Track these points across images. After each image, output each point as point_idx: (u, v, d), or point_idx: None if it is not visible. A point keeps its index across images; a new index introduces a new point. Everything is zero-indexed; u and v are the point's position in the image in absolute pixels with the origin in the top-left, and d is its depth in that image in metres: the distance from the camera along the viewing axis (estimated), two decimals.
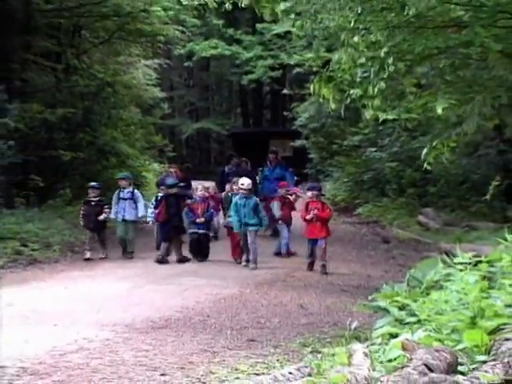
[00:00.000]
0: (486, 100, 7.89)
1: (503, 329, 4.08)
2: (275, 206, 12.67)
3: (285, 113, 30.79)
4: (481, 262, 5.98)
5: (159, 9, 19.66)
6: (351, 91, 7.92)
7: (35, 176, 16.52)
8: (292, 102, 28.12)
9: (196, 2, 8.58)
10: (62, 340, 6.23)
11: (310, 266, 11.04)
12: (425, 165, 8.51)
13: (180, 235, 12.02)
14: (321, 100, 8.63)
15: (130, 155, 21.05)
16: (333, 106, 8.24)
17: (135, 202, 12.26)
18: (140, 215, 12.33)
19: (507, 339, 3.75)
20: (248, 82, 31.68)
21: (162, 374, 5.21)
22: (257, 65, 30.00)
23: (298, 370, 3.85)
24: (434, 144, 8.25)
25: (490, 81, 8.04)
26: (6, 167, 14.75)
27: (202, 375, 5.16)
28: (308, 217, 10.95)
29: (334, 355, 4.28)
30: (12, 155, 14.92)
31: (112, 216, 12.38)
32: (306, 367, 3.93)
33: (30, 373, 5.22)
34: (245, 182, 11.50)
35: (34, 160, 16.40)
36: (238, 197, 11.53)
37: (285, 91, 29.89)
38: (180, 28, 22.36)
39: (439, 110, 7.40)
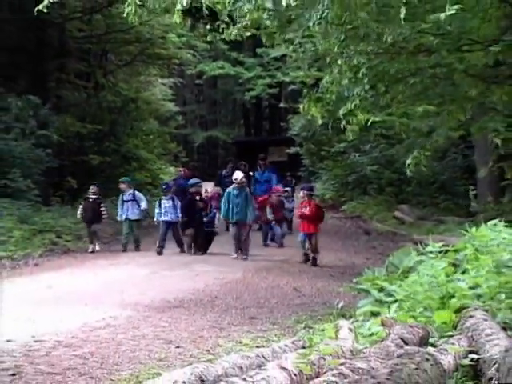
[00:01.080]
0: (453, 113, 7.90)
1: (467, 307, 4.08)
2: (268, 211, 12.31)
3: (281, 123, 30.81)
4: (448, 250, 5.99)
5: (174, 36, 19.77)
6: (340, 109, 7.91)
7: (69, 178, 16.57)
8: (287, 115, 28.10)
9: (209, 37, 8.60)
10: (91, 318, 6.23)
11: (304, 257, 10.61)
12: (408, 172, 8.51)
13: (188, 230, 11.78)
14: (309, 117, 8.63)
15: (149, 160, 21.11)
16: (320, 121, 8.24)
17: (137, 203, 11.99)
18: (143, 208, 12.01)
19: (471, 316, 3.75)
20: (249, 97, 31.68)
21: (177, 347, 5.22)
22: (257, 83, 30.02)
23: (293, 343, 3.84)
24: (415, 154, 8.25)
25: (457, 96, 8.03)
26: (44, 171, 14.81)
27: (210, 347, 5.16)
28: (297, 215, 10.72)
29: (323, 330, 4.27)
30: (49, 161, 15.00)
31: (118, 218, 12.16)
32: (300, 341, 3.93)
33: (64, 345, 5.23)
34: (238, 176, 11.17)
35: (68, 164, 16.48)
36: (231, 187, 11.14)
37: (281, 105, 29.93)
38: (192, 52, 22.45)
39: (420, 109, 7.39)
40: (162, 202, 11.75)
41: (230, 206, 10.92)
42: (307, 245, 10.56)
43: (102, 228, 12.55)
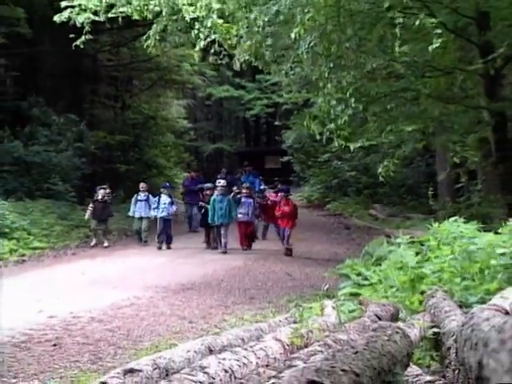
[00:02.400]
0: (418, 128, 7.91)
1: (430, 289, 4.07)
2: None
3: (276, 137, 30.78)
4: (415, 242, 5.97)
5: (187, 64, 19.78)
6: (328, 125, 7.94)
7: (100, 182, 16.54)
8: (281, 130, 28.05)
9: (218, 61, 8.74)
10: (119, 298, 6.22)
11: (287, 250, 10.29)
12: (380, 178, 8.52)
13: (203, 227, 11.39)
14: (311, 131, 8.63)
15: (167, 167, 21.08)
16: (318, 136, 8.26)
17: (149, 204, 11.46)
18: (152, 213, 11.34)
19: (433, 296, 3.74)
20: (250, 115, 31.71)
21: (190, 322, 5.21)
22: (256, 103, 30.04)
23: (286, 319, 3.83)
24: (385, 163, 8.27)
25: (421, 115, 8.04)
26: (80, 176, 14.81)
27: (217, 322, 5.15)
28: (278, 213, 10.41)
29: (311, 308, 4.25)
30: (84, 168, 15.00)
31: (130, 214, 11.72)
32: (292, 317, 3.92)
33: (96, 320, 5.22)
34: (221, 182, 10.81)
35: (99, 171, 16.45)
36: (215, 194, 10.55)
37: (276, 123, 29.94)
38: (202, 78, 22.48)
39: (409, 129, 7.38)
40: (161, 199, 11.12)
41: (215, 210, 10.43)
42: (284, 238, 10.27)
43: (108, 225, 12.00)
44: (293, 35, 6.19)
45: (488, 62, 6.82)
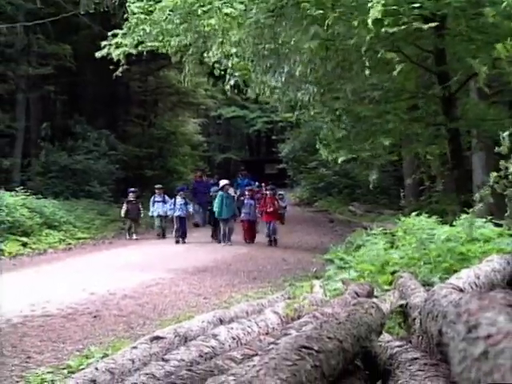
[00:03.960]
0: (388, 141, 7.89)
1: (399, 271, 4.06)
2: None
3: (273, 149, 30.78)
4: (386, 233, 5.96)
5: (202, 89, 19.83)
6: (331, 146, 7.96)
7: (131, 185, 16.52)
8: (278, 142, 28.05)
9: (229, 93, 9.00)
10: (146, 278, 6.23)
11: (269, 242, 10.11)
12: (371, 187, 8.53)
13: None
14: (324, 158, 8.65)
15: (184, 173, 21.09)
16: (324, 156, 8.26)
17: (165, 204, 11.18)
18: (168, 211, 11.05)
19: (401, 277, 3.73)
20: (252, 130, 31.74)
21: (204, 298, 5.21)
22: (257, 121, 30.07)
23: (282, 295, 3.82)
24: (373, 176, 8.28)
25: (392, 131, 8.04)
26: (114, 180, 14.87)
27: (226, 298, 5.15)
28: (268, 210, 10.14)
29: (302, 287, 4.25)
30: (118, 173, 15.04)
31: (150, 214, 11.40)
32: (286, 294, 3.91)
33: (128, 297, 5.22)
34: (227, 181, 10.61)
35: (130, 176, 16.45)
36: (221, 192, 10.07)
37: (273, 137, 29.94)
38: (214, 100, 22.48)
39: (386, 143, 7.33)
40: (177, 200, 10.79)
41: (223, 206, 9.88)
42: (270, 231, 10.11)
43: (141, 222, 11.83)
44: (297, 72, 6.25)
45: (445, 88, 6.84)
